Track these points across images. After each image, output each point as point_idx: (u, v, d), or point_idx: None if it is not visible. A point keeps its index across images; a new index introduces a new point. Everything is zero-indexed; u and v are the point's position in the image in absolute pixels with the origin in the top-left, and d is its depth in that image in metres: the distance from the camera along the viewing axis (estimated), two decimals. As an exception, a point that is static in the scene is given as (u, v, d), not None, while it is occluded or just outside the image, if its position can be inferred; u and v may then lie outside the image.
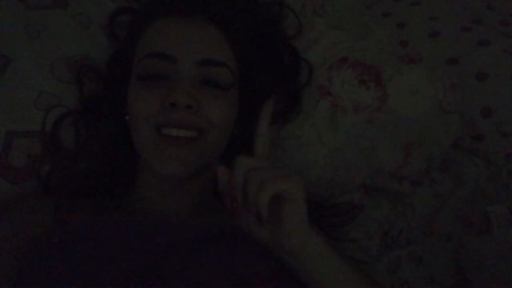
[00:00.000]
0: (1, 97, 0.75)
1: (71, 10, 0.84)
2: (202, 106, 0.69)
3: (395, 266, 0.86)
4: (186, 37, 0.71)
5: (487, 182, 0.90)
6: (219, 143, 0.72)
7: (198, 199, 0.75)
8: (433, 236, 0.88)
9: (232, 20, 0.74)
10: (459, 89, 0.86)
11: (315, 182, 0.85)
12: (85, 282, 0.60)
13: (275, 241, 0.61)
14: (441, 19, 0.95)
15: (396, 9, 0.98)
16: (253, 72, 0.78)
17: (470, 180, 0.91)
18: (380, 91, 0.83)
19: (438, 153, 0.87)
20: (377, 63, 0.85)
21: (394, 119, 0.83)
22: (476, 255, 0.84)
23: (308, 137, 0.84)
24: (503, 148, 0.90)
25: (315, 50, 0.87)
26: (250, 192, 0.57)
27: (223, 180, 0.60)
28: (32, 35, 0.80)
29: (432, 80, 0.84)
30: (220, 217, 0.71)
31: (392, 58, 0.87)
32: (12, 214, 0.70)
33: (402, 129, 0.84)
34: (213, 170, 0.76)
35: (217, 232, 0.68)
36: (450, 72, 0.88)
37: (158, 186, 0.74)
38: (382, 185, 0.87)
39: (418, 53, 0.89)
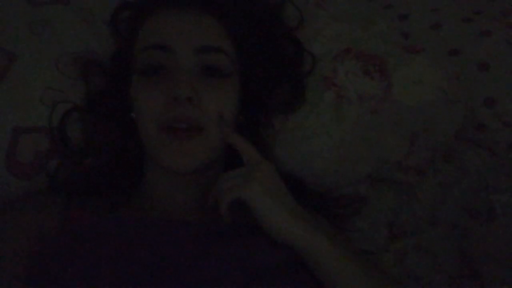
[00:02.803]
0: (7, 93, 0.76)
1: (73, 5, 0.84)
2: (203, 98, 0.69)
3: (401, 256, 0.87)
4: (182, 26, 0.71)
5: (491, 171, 0.91)
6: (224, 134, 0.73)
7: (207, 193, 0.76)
8: (438, 226, 0.88)
9: (228, 8, 0.75)
10: (462, 79, 0.87)
11: (320, 173, 0.85)
12: (98, 280, 0.60)
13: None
14: (443, 10, 0.95)
15: (397, 1, 0.99)
16: (254, 61, 0.78)
17: (473, 170, 0.91)
18: (384, 81, 0.84)
19: (443, 142, 0.87)
20: (381, 54, 0.86)
21: (399, 109, 0.84)
22: (481, 244, 0.84)
23: (313, 128, 0.84)
24: (506, 138, 0.90)
25: (319, 41, 0.87)
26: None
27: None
28: (36, 31, 0.80)
29: (436, 70, 0.85)
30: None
31: (396, 48, 0.87)
32: (22, 212, 0.70)
33: (407, 118, 0.84)
34: (220, 164, 0.77)
35: (227, 227, 0.68)
36: (452, 63, 0.89)
37: (165, 180, 0.75)
38: (388, 175, 0.88)
39: (421, 44, 0.89)
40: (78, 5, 0.84)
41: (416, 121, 0.85)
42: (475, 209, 0.88)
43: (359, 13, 0.93)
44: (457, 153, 0.92)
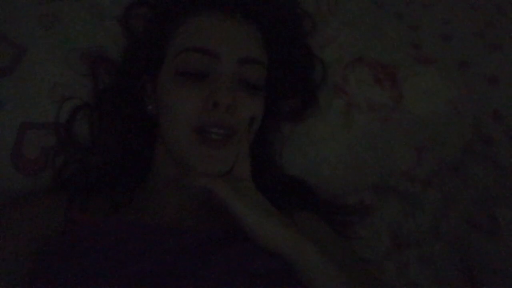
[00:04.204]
0: (16, 88, 0.75)
1: (84, 1, 0.83)
2: (238, 106, 0.69)
3: (404, 267, 0.87)
4: (230, 34, 0.71)
5: (496, 184, 0.91)
6: (250, 141, 0.73)
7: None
8: (441, 237, 0.88)
9: (268, 19, 0.75)
10: (471, 92, 0.87)
11: (327, 179, 0.85)
12: (98, 282, 0.59)
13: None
14: (454, 23, 0.95)
15: (408, 10, 0.98)
16: (278, 72, 0.78)
17: (478, 182, 0.91)
18: (395, 91, 0.84)
19: (451, 154, 0.87)
20: (393, 63, 0.86)
21: (408, 119, 0.84)
22: (483, 257, 0.85)
23: (322, 135, 0.84)
24: (511, 152, 0.90)
25: (331, 48, 0.87)
26: None
27: None
28: (46, 25, 0.79)
29: (447, 82, 0.85)
30: (227, 216, 0.71)
31: (407, 58, 0.87)
32: (24, 212, 0.69)
33: (415, 129, 0.84)
34: None
35: (225, 234, 0.68)
36: (462, 76, 0.89)
37: (168, 182, 0.74)
38: (393, 185, 0.87)
39: (432, 55, 0.89)
40: (89, 1, 0.83)
41: (425, 132, 0.85)
42: (478, 221, 0.88)
43: (370, 20, 0.92)
44: (463, 165, 0.92)
